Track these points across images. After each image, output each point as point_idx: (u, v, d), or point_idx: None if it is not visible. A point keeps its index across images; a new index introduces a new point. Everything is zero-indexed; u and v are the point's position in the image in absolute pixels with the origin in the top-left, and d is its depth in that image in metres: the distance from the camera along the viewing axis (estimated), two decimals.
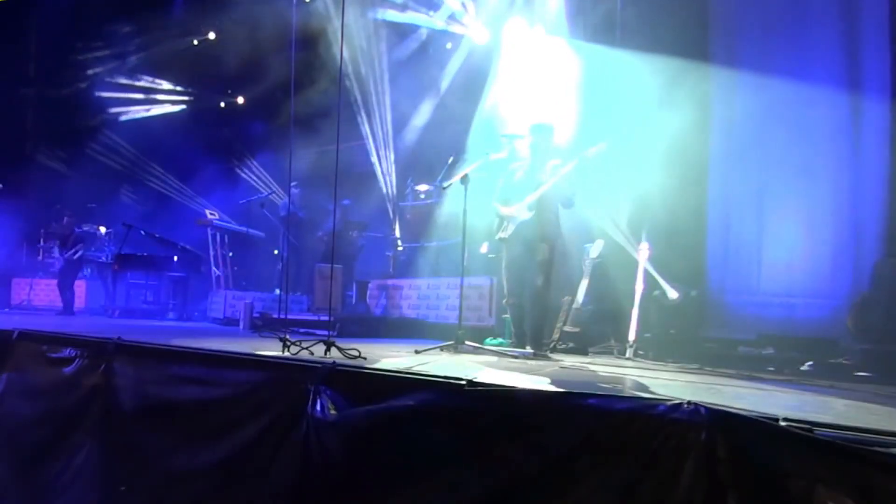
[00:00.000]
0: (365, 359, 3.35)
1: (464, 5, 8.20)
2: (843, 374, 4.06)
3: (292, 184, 8.46)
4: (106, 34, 11.47)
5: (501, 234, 4.77)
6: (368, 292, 7.50)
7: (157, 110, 12.27)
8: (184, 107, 12.31)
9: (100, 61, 11.69)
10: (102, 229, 11.24)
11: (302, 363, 3.15)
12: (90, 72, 11.68)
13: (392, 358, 3.71)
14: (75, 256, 9.19)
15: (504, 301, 4.98)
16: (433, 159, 8.27)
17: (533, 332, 4.66)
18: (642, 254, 5.21)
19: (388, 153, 9.49)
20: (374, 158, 9.52)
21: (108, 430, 3.50)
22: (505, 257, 4.89)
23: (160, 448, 3.28)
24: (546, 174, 4.64)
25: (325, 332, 4.17)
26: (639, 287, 5.12)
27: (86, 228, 10.71)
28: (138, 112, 12.17)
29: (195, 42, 11.51)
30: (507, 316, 5.30)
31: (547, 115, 5.65)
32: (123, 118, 12.03)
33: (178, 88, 12.28)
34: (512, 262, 4.82)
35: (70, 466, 3.53)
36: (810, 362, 4.29)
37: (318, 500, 2.68)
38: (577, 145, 5.40)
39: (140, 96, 12.16)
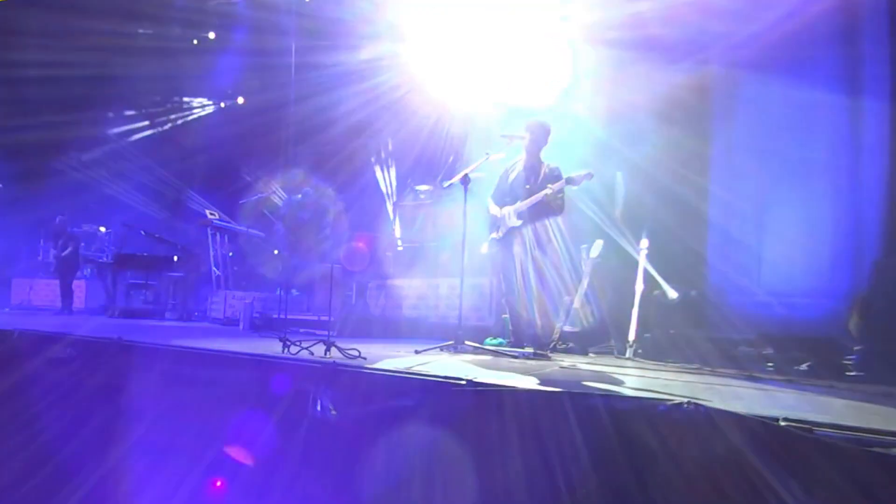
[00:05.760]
0: (365, 359, 3.35)
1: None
2: (841, 375, 4.06)
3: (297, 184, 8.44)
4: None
5: (494, 235, 4.84)
6: (368, 292, 7.49)
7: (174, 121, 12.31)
8: (208, 111, 12.32)
9: (105, 63, 11.66)
10: (102, 229, 11.23)
11: (302, 363, 3.15)
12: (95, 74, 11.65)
13: (392, 358, 3.71)
14: (63, 253, 9.17)
15: (502, 299, 5.01)
16: (433, 159, 8.26)
17: (532, 333, 4.67)
18: (642, 254, 5.21)
19: (388, 153, 9.48)
20: (375, 158, 9.50)
21: (109, 429, 3.50)
22: (499, 259, 4.93)
23: (161, 448, 3.27)
24: (539, 180, 4.66)
25: (325, 332, 4.17)
26: (639, 287, 5.11)
27: (85, 228, 10.70)
28: (156, 128, 12.20)
29: (195, 42, 11.49)
30: (507, 315, 5.31)
31: (543, 115, 5.64)
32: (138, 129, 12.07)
33: (194, 100, 12.28)
34: (505, 265, 4.86)
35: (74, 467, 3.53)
36: (807, 363, 4.28)
37: (319, 499, 2.68)
38: (571, 152, 5.41)
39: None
